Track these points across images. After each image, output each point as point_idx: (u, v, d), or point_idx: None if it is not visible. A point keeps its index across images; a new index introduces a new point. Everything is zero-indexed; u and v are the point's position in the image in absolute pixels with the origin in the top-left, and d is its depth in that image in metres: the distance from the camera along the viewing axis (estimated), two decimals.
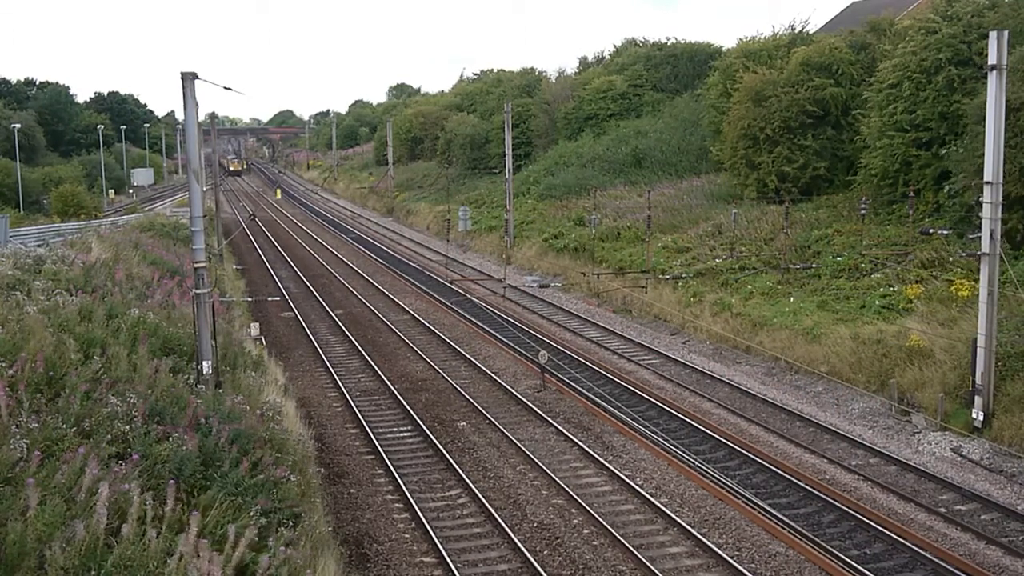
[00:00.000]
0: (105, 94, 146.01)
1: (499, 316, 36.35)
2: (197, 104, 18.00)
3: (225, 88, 21.26)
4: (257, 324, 29.89)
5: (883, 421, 23.58)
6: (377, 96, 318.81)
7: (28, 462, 10.66)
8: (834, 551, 16.23)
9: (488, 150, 76.08)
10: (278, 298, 41.43)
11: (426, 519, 17.78)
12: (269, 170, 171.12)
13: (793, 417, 24.04)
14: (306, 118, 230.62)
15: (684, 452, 21.18)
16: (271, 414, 18.19)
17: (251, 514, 11.60)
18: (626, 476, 19.98)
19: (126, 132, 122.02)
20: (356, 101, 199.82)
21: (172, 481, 11.07)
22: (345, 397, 26.51)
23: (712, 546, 16.46)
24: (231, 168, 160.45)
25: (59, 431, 12.01)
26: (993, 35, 21.23)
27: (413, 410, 24.94)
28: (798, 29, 51.21)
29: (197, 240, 18.34)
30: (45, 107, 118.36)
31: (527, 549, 16.48)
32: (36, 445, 11.21)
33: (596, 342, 32.91)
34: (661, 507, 18.27)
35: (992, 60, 21.18)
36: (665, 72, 68.50)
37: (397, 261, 53.95)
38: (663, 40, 74.84)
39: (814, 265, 32.90)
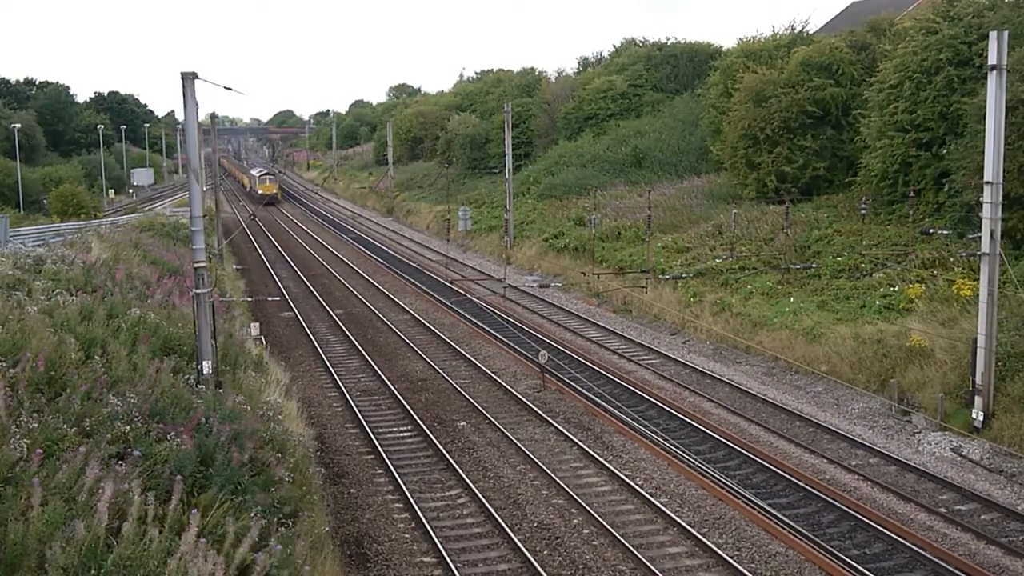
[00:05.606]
0: (105, 94, 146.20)
1: (499, 316, 36.35)
2: (197, 104, 18.01)
3: (225, 88, 21.27)
4: (257, 324, 29.91)
5: (883, 421, 23.58)
6: (377, 96, 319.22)
7: (28, 462, 10.67)
8: (834, 551, 16.23)
9: (488, 150, 76.08)
10: (278, 298, 41.43)
11: (426, 519, 17.78)
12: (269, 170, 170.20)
13: (793, 417, 24.04)
14: (306, 118, 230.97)
15: (684, 452, 21.18)
16: (271, 414, 18.20)
17: (251, 514, 11.60)
18: (626, 476, 19.98)
19: (126, 132, 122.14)
20: (356, 101, 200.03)
21: (173, 480, 11.07)
22: (345, 397, 26.51)
23: (712, 546, 16.47)
24: (259, 191, 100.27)
25: (59, 431, 12.01)
26: (993, 35, 21.25)
27: (413, 410, 24.94)
28: (798, 29, 51.29)
29: (197, 240, 18.34)
30: (45, 107, 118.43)
31: (527, 549, 16.49)
32: (37, 445, 11.21)
33: (596, 342, 32.91)
34: (661, 507, 18.28)
35: (992, 60, 21.20)
36: (665, 72, 68.54)
37: (397, 261, 53.94)
38: (663, 40, 74.96)
39: (814, 265, 32.89)
